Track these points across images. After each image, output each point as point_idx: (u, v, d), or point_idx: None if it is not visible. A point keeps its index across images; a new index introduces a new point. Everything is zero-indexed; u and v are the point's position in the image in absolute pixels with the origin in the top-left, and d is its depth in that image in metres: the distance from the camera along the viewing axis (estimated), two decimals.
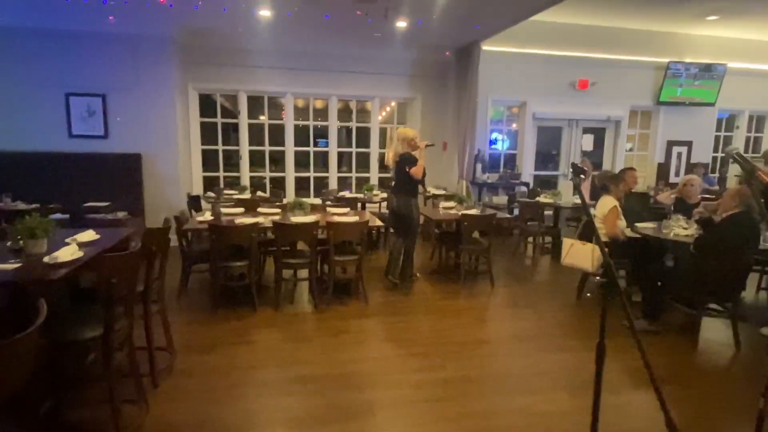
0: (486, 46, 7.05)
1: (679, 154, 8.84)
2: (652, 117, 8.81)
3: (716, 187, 8.02)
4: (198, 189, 7.25)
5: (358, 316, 4.22)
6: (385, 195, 6.71)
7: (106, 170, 6.24)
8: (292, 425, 2.59)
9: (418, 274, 5.36)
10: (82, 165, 6.16)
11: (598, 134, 8.61)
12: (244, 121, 7.49)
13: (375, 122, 8.06)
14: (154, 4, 5.18)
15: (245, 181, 7.59)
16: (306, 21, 5.85)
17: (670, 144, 8.81)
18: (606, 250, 4.14)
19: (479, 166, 7.71)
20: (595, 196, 5.97)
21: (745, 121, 9.36)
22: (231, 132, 7.90)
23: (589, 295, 4.83)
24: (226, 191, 6.78)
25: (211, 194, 6.59)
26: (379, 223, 4.90)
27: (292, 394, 2.90)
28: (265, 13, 5.50)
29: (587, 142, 8.54)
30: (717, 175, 9.15)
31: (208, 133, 7.48)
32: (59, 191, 5.95)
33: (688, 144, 8.84)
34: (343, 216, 4.84)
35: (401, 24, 5.93)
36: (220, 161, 7.60)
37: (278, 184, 7.97)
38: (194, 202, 6.10)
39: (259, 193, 6.94)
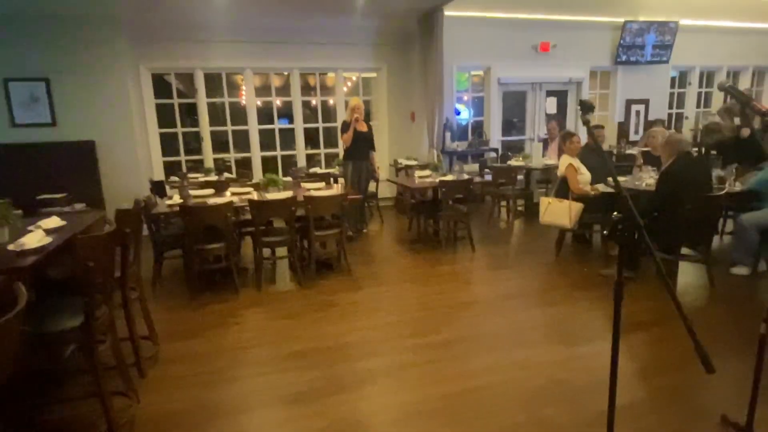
0: (449, 12, 6.93)
1: (638, 112, 9.10)
2: (610, 77, 8.99)
3: None
4: (159, 175, 6.91)
5: (345, 290, 4.15)
6: None
7: (57, 160, 5.81)
8: (293, 400, 2.52)
9: (354, 234, 5.73)
10: (30, 156, 5.71)
11: (561, 96, 8.72)
12: (202, 101, 7.13)
13: (339, 95, 7.86)
14: None
15: (209, 164, 7.26)
16: None
17: (629, 103, 9.04)
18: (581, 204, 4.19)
19: (448, 135, 7.68)
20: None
21: (697, 78, 9.71)
22: (187, 114, 7.52)
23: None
24: (190, 175, 6.47)
25: (175, 179, 6.28)
26: (357, 195, 4.81)
27: (287, 371, 2.82)
28: None
29: (551, 105, 8.64)
30: (673, 131, 9.47)
31: (165, 116, 7.09)
32: (7, 185, 5.50)
33: (646, 102, 9.10)
34: (319, 190, 4.71)
35: None
36: (181, 145, 7.24)
37: (244, 166, 7.70)
38: (158, 188, 5.80)
39: (226, 174, 6.67)
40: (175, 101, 7.08)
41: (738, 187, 4.19)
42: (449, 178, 5.21)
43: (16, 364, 1.35)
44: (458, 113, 8.37)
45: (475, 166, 7.72)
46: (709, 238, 3.84)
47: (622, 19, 8.31)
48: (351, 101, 5.69)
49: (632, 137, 8.85)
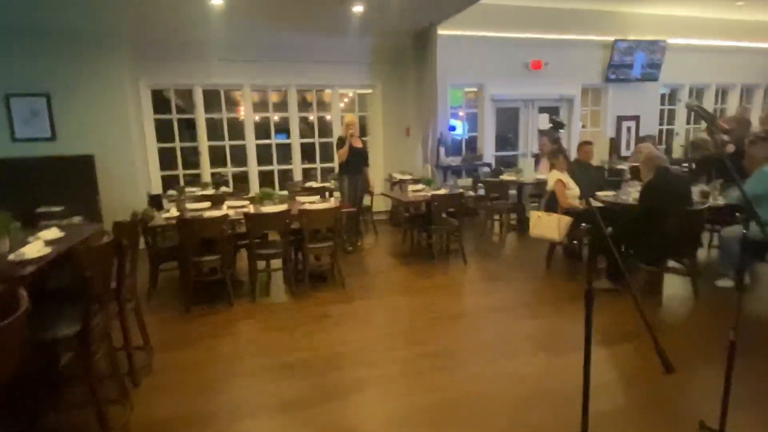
0: (442, 31, 7.12)
1: (629, 129, 9.26)
2: (602, 94, 9.18)
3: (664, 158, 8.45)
4: (157, 188, 6.99)
5: (338, 301, 4.21)
6: None
7: (57, 173, 5.89)
8: (284, 408, 2.57)
9: (350, 247, 5.86)
10: (30, 169, 5.80)
11: (554, 113, 8.89)
12: (201, 117, 7.26)
13: (336, 112, 8.00)
14: None
15: (206, 177, 7.37)
16: (261, 9, 5.72)
17: (620, 119, 9.21)
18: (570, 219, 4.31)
19: (442, 150, 7.81)
20: None
21: (686, 95, 9.91)
22: (184, 129, 7.63)
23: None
24: (187, 188, 6.57)
25: (172, 192, 6.36)
26: (351, 209, 4.90)
27: (279, 380, 2.88)
28: (217, 2, 5.33)
29: (543, 121, 8.78)
30: (664, 146, 9.63)
31: (163, 131, 7.21)
32: (6, 198, 5.58)
33: (636, 118, 9.28)
34: (314, 204, 4.80)
35: (357, 8, 5.90)
36: (179, 159, 7.35)
37: (241, 180, 7.81)
38: (156, 202, 5.89)
39: (223, 188, 6.77)
40: (174, 117, 7.21)
41: (721, 201, 4.29)
42: (441, 192, 5.32)
43: (18, 368, 1.42)
44: (453, 129, 8.52)
45: (469, 181, 7.84)
46: (692, 252, 3.93)
47: (612, 38, 8.53)
48: (346, 117, 5.85)
49: (624, 152, 9.00)
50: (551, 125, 1.62)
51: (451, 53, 7.51)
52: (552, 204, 4.83)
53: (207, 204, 4.98)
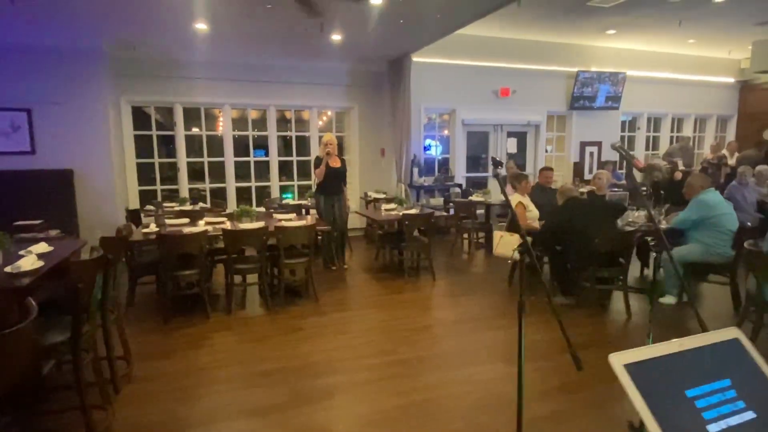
0: (417, 58, 7.53)
1: (591, 154, 9.83)
2: (566, 121, 9.73)
3: (623, 181, 9.00)
4: (134, 203, 7.10)
5: (311, 315, 4.43)
6: None
7: (35, 187, 5.98)
8: (258, 413, 2.77)
9: (333, 267, 5.91)
10: (9, 183, 5.87)
11: (521, 137, 9.38)
12: (180, 134, 7.43)
13: (314, 131, 8.28)
14: (81, 16, 5.11)
15: (184, 193, 7.51)
16: (243, 34, 6.00)
17: (583, 144, 9.77)
18: (529, 238, 4.70)
19: (416, 171, 8.16)
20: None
21: (645, 123, 10.58)
22: (163, 145, 7.77)
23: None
24: (165, 204, 6.70)
25: (150, 207, 6.49)
26: (325, 227, 5.14)
27: (254, 387, 3.08)
28: (201, 26, 5.59)
29: (511, 145, 9.28)
30: (623, 171, 10.22)
31: (142, 147, 7.34)
32: None
33: (598, 144, 9.85)
34: (290, 221, 5.03)
35: (336, 37, 6.23)
36: (157, 174, 7.48)
37: (219, 196, 7.96)
38: (134, 217, 6.00)
39: (200, 204, 6.92)
40: (154, 133, 7.36)
41: (665, 224, 4.71)
42: (413, 211, 5.62)
43: (25, 373, 1.61)
44: (428, 149, 8.89)
45: (441, 200, 8.20)
46: (622, 270, 4.32)
47: (575, 69, 9.11)
48: (324, 137, 5.79)
49: (586, 176, 9.51)
50: (492, 164, 1.92)
51: (424, 79, 7.93)
52: (514, 224, 5.17)
53: (185, 220, 5.14)
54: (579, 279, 4.48)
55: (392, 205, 6.05)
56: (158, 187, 7.51)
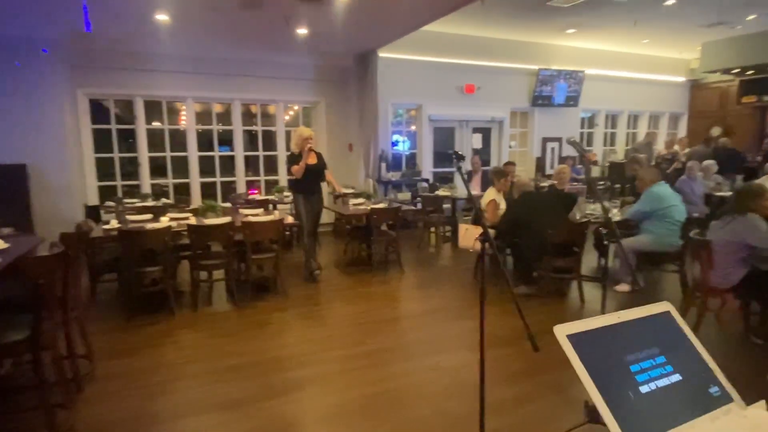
0: (383, 53, 7.58)
1: (552, 149, 10.15)
2: (528, 117, 10.01)
3: (582, 176, 9.34)
4: (94, 200, 6.87)
5: (279, 309, 4.43)
6: None
7: None
8: (227, 406, 2.78)
9: (317, 271, 5.31)
10: None
11: (486, 133, 9.60)
12: (141, 128, 7.23)
13: (280, 125, 8.21)
14: (34, 3, 4.90)
15: (146, 189, 7.31)
16: (207, 26, 5.89)
17: (545, 140, 10.08)
18: (492, 231, 4.82)
19: (383, 166, 8.22)
20: (486, 188, 6.76)
21: (603, 120, 11.00)
22: (123, 139, 7.54)
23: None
24: (126, 200, 6.51)
25: (111, 203, 6.30)
26: (292, 221, 5.14)
27: (222, 381, 3.07)
28: (162, 17, 5.45)
29: (477, 141, 9.48)
30: (581, 165, 10.61)
31: (101, 141, 7.10)
32: None
33: (559, 140, 10.19)
34: (257, 216, 5.00)
35: (302, 31, 6.20)
36: (117, 169, 7.25)
37: (182, 191, 7.80)
38: (93, 213, 5.82)
39: (163, 200, 6.77)
40: (113, 127, 7.13)
41: (618, 216, 4.95)
42: (380, 206, 5.68)
43: None
44: (396, 144, 8.96)
45: (409, 195, 8.30)
46: (575, 260, 4.52)
47: (536, 67, 9.37)
48: (303, 131, 5.12)
49: (548, 171, 9.83)
50: (454, 157, 1.99)
51: (391, 74, 7.98)
52: (478, 217, 5.31)
53: (148, 216, 5.03)
54: (537, 269, 4.67)
55: (360, 200, 6.10)
56: (118, 182, 7.28)
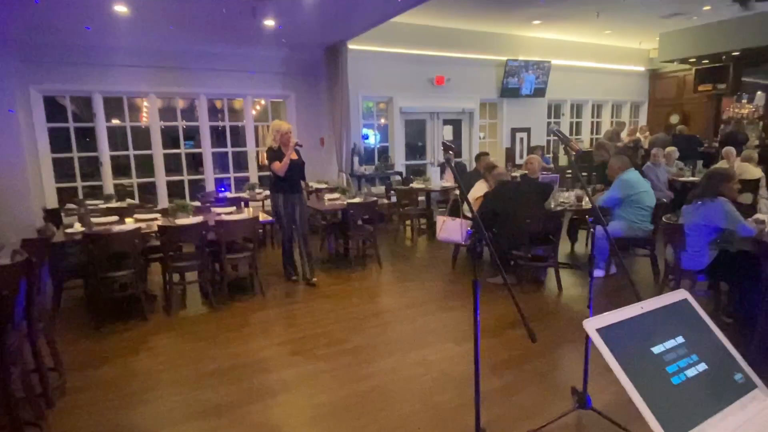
0: (353, 45, 7.47)
1: (521, 139, 10.30)
2: (497, 108, 10.11)
3: (551, 165, 9.53)
4: (53, 202, 6.52)
5: (258, 310, 4.32)
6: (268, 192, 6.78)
7: None
8: (210, 413, 2.67)
9: (314, 278, 4.99)
10: None
11: (456, 125, 9.64)
12: (101, 126, 6.89)
13: (249, 121, 8.00)
14: None
15: (109, 189, 6.99)
16: (169, 17, 5.64)
17: (514, 131, 10.22)
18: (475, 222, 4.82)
19: (356, 159, 8.14)
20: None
21: (568, 109, 11.23)
22: (82, 138, 7.18)
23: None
24: (89, 202, 6.20)
25: (72, 206, 5.98)
26: (268, 218, 5.00)
27: (203, 388, 2.96)
28: (121, 8, 5.18)
29: (447, 133, 9.51)
30: (551, 155, 10.82)
31: (59, 140, 6.73)
32: None
33: (527, 130, 10.35)
34: (230, 214, 4.85)
35: (269, 23, 6.03)
36: (77, 170, 6.90)
37: (148, 191, 7.51)
38: (53, 216, 5.50)
39: (128, 200, 6.49)
40: (71, 125, 6.77)
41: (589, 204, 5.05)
42: (356, 200, 5.61)
43: None
44: (366, 138, 8.89)
45: (382, 189, 8.25)
46: (553, 246, 4.60)
47: (504, 58, 9.46)
48: (282, 125, 4.80)
49: (518, 161, 9.97)
50: (443, 148, 1.96)
51: (362, 67, 7.89)
52: (455, 209, 5.32)
53: (114, 217, 4.81)
54: (515, 258, 4.72)
55: (336, 195, 6.01)
56: (79, 183, 6.94)
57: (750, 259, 3.33)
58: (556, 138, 2.30)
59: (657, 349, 0.84)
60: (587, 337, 2.43)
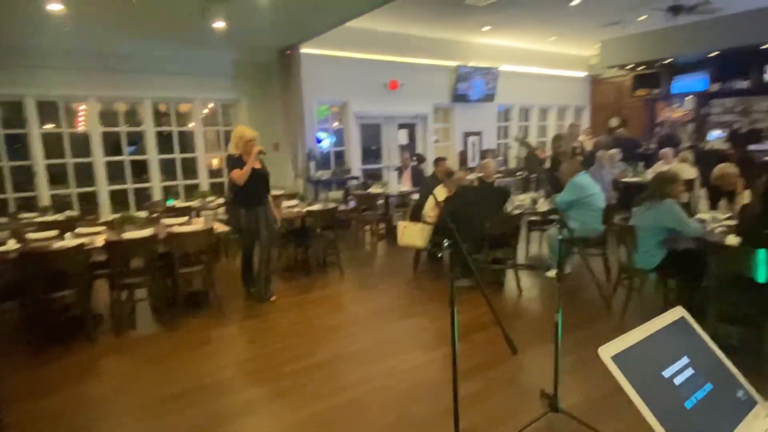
0: (307, 49, 7.34)
1: (474, 143, 10.53)
2: (450, 113, 10.28)
3: (503, 167, 9.81)
4: None
5: (216, 326, 4.12)
6: (221, 200, 6.54)
7: None
8: None
9: (274, 297, 4.72)
10: None
11: (411, 129, 9.71)
12: (34, 131, 6.38)
13: (198, 125, 7.68)
14: None
15: (45, 201, 6.49)
16: (109, 16, 5.31)
17: (466, 135, 10.42)
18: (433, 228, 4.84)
19: (312, 165, 8.00)
20: (417, 183, 6.84)
21: (516, 113, 11.60)
22: (11, 145, 6.61)
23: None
24: (22, 215, 5.71)
25: (3, 220, 5.49)
26: (224, 228, 4.80)
27: (164, 414, 2.78)
28: (55, 6, 4.81)
29: (402, 137, 9.56)
30: (502, 158, 11.13)
31: None
32: None
33: (479, 134, 10.59)
34: (183, 225, 4.61)
35: (219, 24, 5.80)
36: (7, 180, 6.35)
37: (88, 201, 7.03)
38: None
39: (68, 212, 6.03)
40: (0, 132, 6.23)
41: (545, 206, 5.23)
42: (316, 207, 5.50)
43: None
44: (319, 141, 8.76)
45: (340, 194, 8.16)
46: (511, 248, 4.72)
47: (455, 63, 9.63)
48: (246, 132, 4.42)
49: (471, 164, 10.16)
50: (416, 158, 1.94)
51: (315, 71, 7.77)
52: (416, 214, 5.34)
53: (53, 232, 4.45)
54: (475, 261, 4.78)
55: (294, 202, 5.87)
56: (9, 195, 6.38)
57: (694, 256, 3.55)
58: (522, 146, 2.33)
59: (667, 373, 0.84)
60: (556, 340, 2.48)
